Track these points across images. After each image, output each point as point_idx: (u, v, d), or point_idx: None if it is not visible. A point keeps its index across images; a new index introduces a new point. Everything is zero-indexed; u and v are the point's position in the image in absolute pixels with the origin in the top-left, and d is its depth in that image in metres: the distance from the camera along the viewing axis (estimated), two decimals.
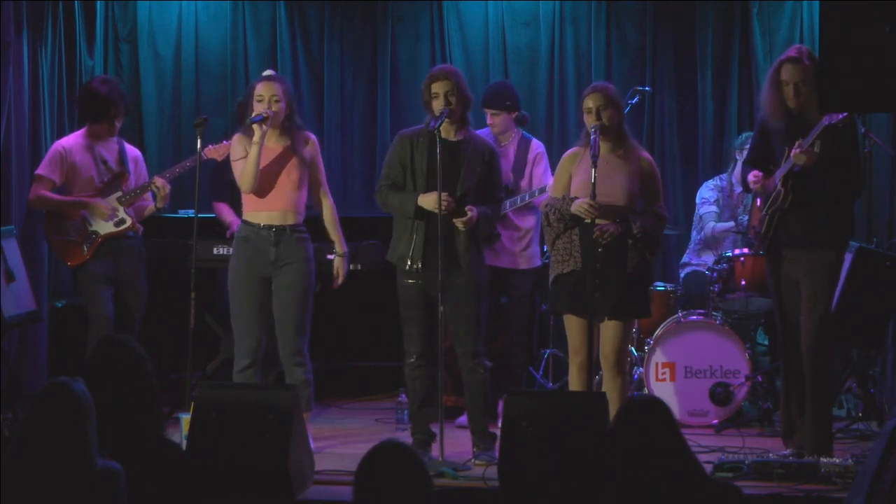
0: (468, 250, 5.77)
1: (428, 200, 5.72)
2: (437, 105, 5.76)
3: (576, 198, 5.57)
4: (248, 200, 5.99)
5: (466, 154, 5.81)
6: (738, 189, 7.32)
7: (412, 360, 5.84)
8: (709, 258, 7.34)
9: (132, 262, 6.57)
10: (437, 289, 5.69)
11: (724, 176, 7.49)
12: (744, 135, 7.39)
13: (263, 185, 5.91)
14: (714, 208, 7.40)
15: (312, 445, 5.94)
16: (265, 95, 5.89)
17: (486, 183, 5.86)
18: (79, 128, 6.91)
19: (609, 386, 5.62)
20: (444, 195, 5.65)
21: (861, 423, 6.50)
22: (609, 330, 5.63)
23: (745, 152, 7.24)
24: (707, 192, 7.47)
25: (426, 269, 5.74)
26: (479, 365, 5.84)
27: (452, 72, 5.89)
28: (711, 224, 7.38)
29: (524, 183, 6.74)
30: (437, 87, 5.78)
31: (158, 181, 6.47)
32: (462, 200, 5.75)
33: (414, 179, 5.81)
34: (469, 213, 5.70)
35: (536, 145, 6.85)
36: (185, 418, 5.41)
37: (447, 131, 5.81)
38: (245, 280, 5.95)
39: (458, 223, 5.71)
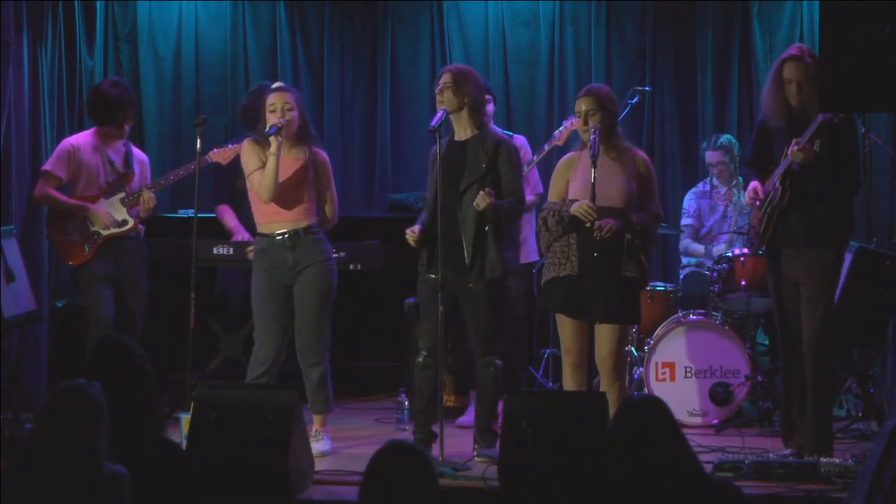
0: (476, 251, 5.75)
1: None
2: (439, 104, 5.79)
3: (575, 200, 5.56)
4: (260, 213, 5.99)
5: (473, 150, 5.81)
6: (724, 189, 7.39)
7: (420, 358, 5.84)
8: (706, 258, 7.35)
9: (133, 263, 6.58)
10: (451, 287, 5.73)
11: (706, 180, 7.52)
12: (703, 144, 7.55)
13: (277, 197, 5.90)
14: (691, 221, 7.47)
15: (329, 446, 5.97)
16: (278, 104, 5.88)
17: (495, 177, 5.79)
18: (81, 128, 6.91)
19: (606, 391, 5.61)
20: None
21: (861, 423, 6.50)
22: (605, 333, 5.60)
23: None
24: (688, 203, 7.55)
25: (434, 268, 5.73)
26: (489, 363, 5.84)
27: (450, 69, 5.90)
28: (686, 241, 7.46)
29: None
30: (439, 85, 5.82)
31: (146, 194, 6.48)
32: (465, 195, 5.74)
33: (433, 181, 5.81)
34: (484, 194, 5.63)
35: (519, 140, 6.86)
36: (185, 418, 5.41)
37: (459, 131, 5.84)
38: (266, 290, 5.96)
39: (477, 203, 5.66)
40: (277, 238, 5.93)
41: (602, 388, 5.65)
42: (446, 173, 5.76)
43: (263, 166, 5.85)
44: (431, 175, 5.86)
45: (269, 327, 5.94)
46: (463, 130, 5.86)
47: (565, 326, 5.64)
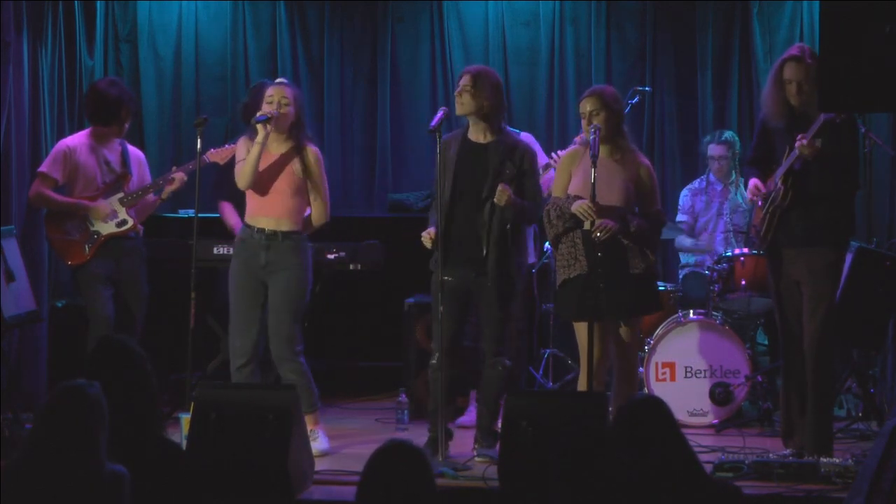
0: (492, 252, 5.73)
1: None
2: (458, 106, 5.78)
3: (578, 197, 5.56)
4: (249, 204, 6.00)
5: (496, 156, 5.77)
6: (720, 186, 7.39)
7: (434, 360, 5.80)
8: (706, 257, 7.36)
9: (133, 263, 6.58)
10: (469, 286, 5.74)
11: (703, 176, 7.53)
12: (706, 138, 7.54)
13: (263, 188, 5.91)
14: (685, 217, 7.50)
15: (327, 444, 5.98)
16: (275, 97, 5.89)
17: (520, 185, 5.76)
18: (81, 128, 6.90)
19: (618, 391, 5.63)
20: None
21: (861, 423, 6.49)
22: (620, 332, 5.64)
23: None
24: (682, 199, 7.58)
25: (447, 268, 5.71)
26: (499, 363, 5.83)
27: (469, 71, 5.85)
28: (680, 238, 7.46)
29: None
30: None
31: (178, 175, 6.48)
32: (487, 202, 5.72)
33: (445, 181, 5.77)
34: (503, 188, 5.61)
35: (526, 137, 6.82)
36: (185, 418, 5.41)
37: (476, 133, 5.81)
38: (242, 280, 5.97)
39: (497, 199, 5.64)
40: (257, 233, 5.94)
41: (614, 388, 5.68)
42: (462, 173, 5.74)
43: None
44: (442, 171, 5.79)
45: (243, 316, 5.95)
46: (481, 133, 5.82)
47: (581, 330, 5.62)
